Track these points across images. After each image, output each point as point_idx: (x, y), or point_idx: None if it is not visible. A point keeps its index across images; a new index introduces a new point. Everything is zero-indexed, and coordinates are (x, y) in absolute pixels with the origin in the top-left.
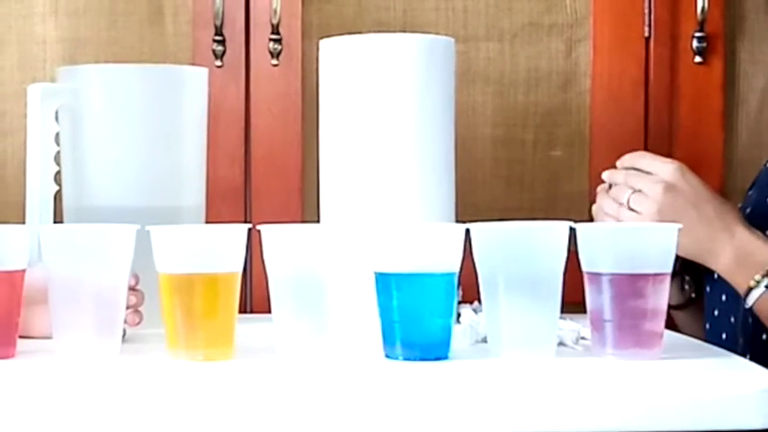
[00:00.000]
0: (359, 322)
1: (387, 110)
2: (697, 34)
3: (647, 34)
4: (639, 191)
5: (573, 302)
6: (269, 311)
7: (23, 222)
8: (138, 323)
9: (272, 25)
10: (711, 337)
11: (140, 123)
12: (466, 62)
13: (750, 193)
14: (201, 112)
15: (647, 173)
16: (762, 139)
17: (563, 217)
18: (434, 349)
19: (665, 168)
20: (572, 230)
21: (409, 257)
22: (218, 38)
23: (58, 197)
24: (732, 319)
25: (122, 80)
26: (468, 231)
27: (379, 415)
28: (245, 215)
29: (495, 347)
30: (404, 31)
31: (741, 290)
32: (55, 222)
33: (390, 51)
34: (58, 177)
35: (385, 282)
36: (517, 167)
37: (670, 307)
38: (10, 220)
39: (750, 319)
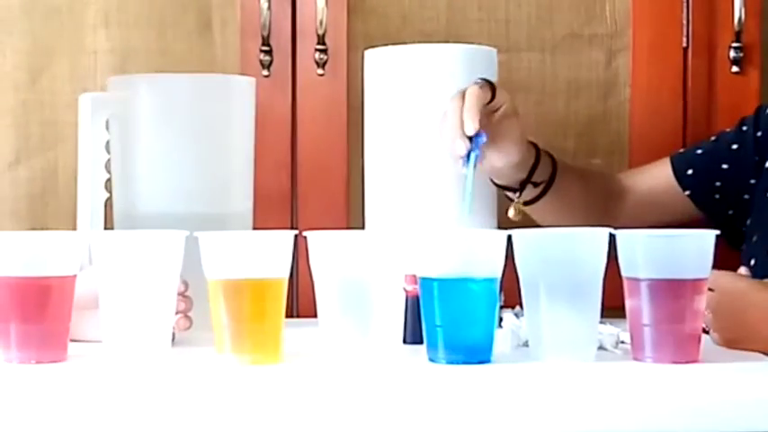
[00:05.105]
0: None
1: (430, 118)
2: (734, 45)
3: (684, 45)
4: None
5: (613, 307)
6: (315, 316)
7: (75, 229)
8: (188, 328)
9: (318, 36)
10: None
11: (189, 132)
12: (507, 72)
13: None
14: (249, 121)
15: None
16: None
17: None
18: (477, 353)
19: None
20: (611, 236)
21: (452, 263)
22: (265, 48)
23: (108, 204)
24: None
25: (171, 89)
26: (509, 237)
27: (422, 417)
28: (292, 222)
29: (536, 351)
30: (447, 42)
31: None
32: (105, 229)
33: (434, 61)
34: (108, 185)
35: (428, 287)
36: None
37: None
38: (62, 227)
39: None
